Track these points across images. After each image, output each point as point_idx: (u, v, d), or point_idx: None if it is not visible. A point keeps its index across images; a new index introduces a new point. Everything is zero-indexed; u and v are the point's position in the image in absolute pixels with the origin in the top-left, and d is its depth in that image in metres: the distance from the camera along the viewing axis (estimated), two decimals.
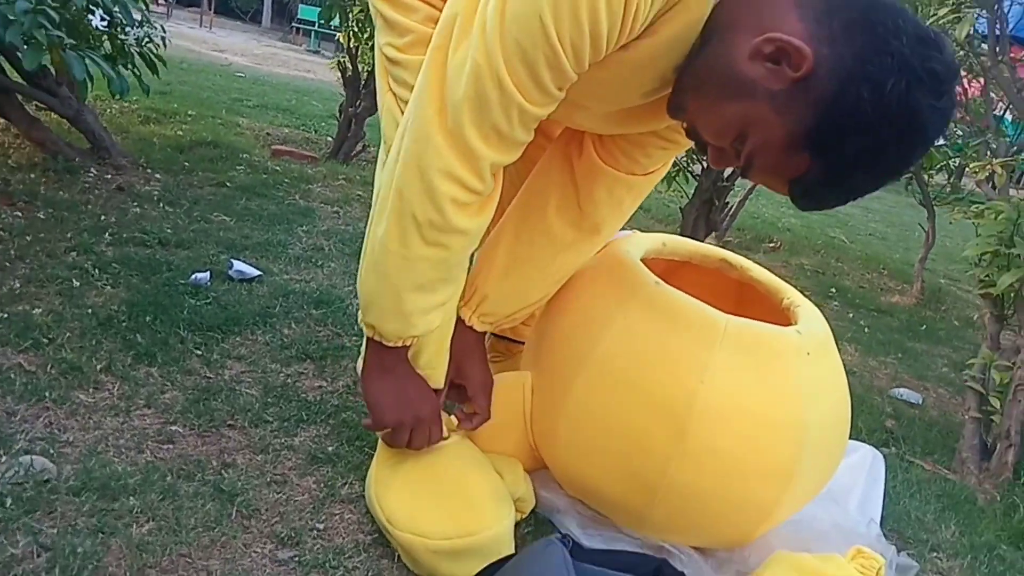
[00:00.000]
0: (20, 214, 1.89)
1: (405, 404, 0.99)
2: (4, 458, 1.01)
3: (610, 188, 1.06)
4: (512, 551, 1.00)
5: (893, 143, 0.70)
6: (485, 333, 1.14)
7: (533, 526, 1.12)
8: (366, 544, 1.02)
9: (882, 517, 1.28)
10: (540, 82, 0.77)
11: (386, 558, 1.00)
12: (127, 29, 1.98)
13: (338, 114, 3.51)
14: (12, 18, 1.53)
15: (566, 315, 1.09)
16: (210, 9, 9.82)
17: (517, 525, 1.12)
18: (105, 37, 1.97)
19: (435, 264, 0.89)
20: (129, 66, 2.09)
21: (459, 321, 1.08)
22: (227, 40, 8.53)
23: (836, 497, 1.20)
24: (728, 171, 3.01)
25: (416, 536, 0.96)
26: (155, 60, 2.17)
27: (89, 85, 2.44)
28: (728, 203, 3.33)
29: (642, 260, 1.11)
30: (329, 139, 3.71)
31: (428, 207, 0.84)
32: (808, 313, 1.09)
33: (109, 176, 2.39)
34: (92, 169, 2.40)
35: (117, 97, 2.11)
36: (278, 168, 2.96)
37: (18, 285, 1.51)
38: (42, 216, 1.91)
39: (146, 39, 2.06)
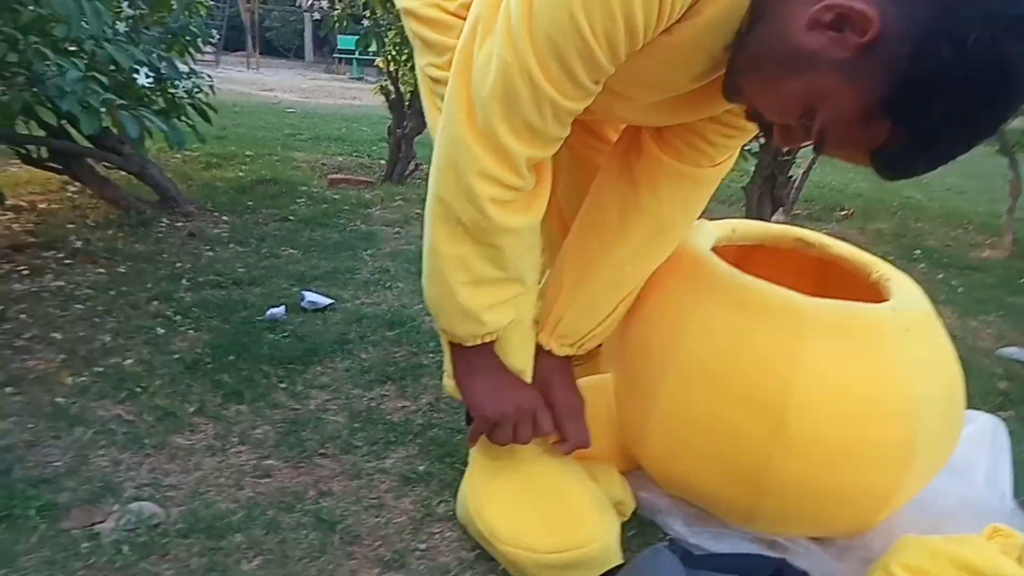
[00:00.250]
0: (103, 270, 1.97)
1: (503, 396, 0.97)
2: (116, 506, 1.04)
3: (675, 184, 0.99)
4: (621, 561, 0.97)
5: (983, 100, 0.64)
6: (569, 358, 1.09)
7: (636, 528, 1.09)
8: (470, 561, 1.01)
9: (1014, 489, 1.19)
10: (574, 76, 0.74)
11: (492, 573, 0.99)
12: (176, 83, 2.04)
13: (387, 136, 3.55)
14: (67, 89, 1.59)
15: (643, 316, 1.06)
16: (255, 50, 10.12)
17: (620, 529, 1.09)
18: (157, 93, 2.03)
19: (489, 261, 0.87)
20: (183, 118, 2.15)
21: (539, 348, 1.05)
22: (274, 79, 8.76)
23: (959, 471, 1.12)
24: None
25: (523, 551, 0.95)
26: (205, 108, 2.23)
27: (147, 140, 2.55)
28: (791, 176, 3.23)
29: (713, 249, 1.07)
30: (382, 162, 3.75)
31: (470, 209, 0.83)
32: (901, 286, 1.03)
33: (180, 224, 2.47)
34: (163, 219, 2.49)
35: (175, 149, 2.18)
36: (336, 196, 3.02)
37: (108, 339, 1.56)
38: (122, 270, 1.98)
39: (196, 89, 2.11)
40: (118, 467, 1.13)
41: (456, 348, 0.96)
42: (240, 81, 8.18)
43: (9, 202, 2.54)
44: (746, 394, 0.92)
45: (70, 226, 2.30)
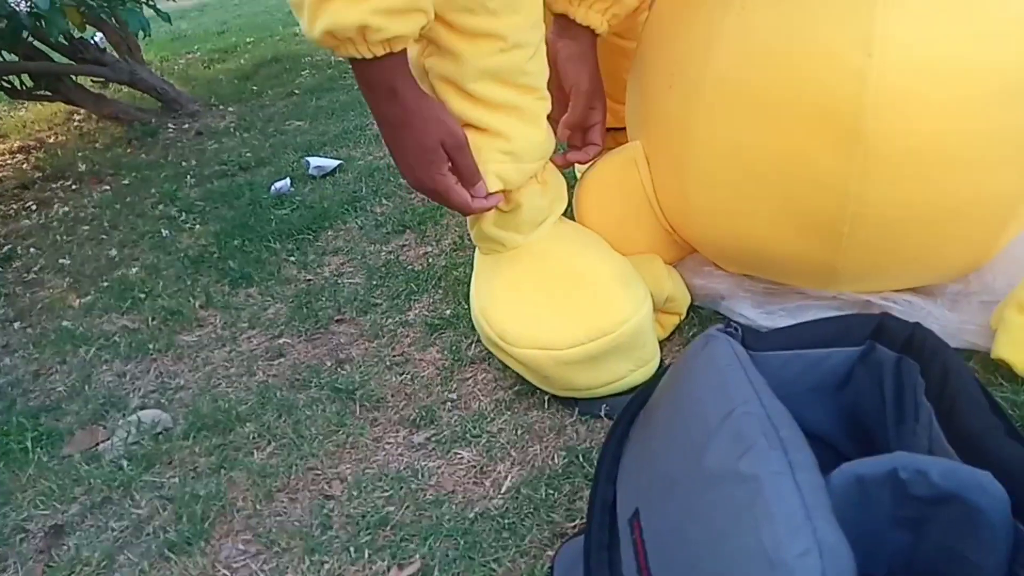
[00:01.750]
0: (108, 187, 1.86)
1: (409, 163, 0.72)
2: (121, 421, 0.94)
3: None
4: (654, 342, 0.81)
5: None
6: (595, 37, 0.86)
7: (698, 325, 0.92)
8: (508, 401, 0.86)
9: None
10: None
11: (535, 408, 0.84)
12: None
13: None
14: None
15: (662, 42, 0.82)
16: None
17: (678, 330, 0.92)
18: None
19: None
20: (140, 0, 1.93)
21: (564, 23, 0.84)
22: None
23: None
24: None
25: (540, 350, 0.77)
26: None
27: (143, 46, 2.36)
28: None
29: None
30: None
31: None
32: None
33: (187, 125, 2.32)
34: (170, 124, 2.35)
35: (142, 36, 1.99)
36: (341, 59, 2.78)
37: (114, 252, 1.46)
38: (127, 182, 1.87)
39: None
40: (123, 379, 1.04)
41: (355, 72, 0.68)
42: None
43: (16, 143, 2.46)
44: (802, 105, 0.68)
45: (79, 154, 2.19)
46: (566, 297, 0.78)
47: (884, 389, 0.53)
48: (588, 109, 0.89)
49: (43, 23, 1.77)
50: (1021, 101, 0.64)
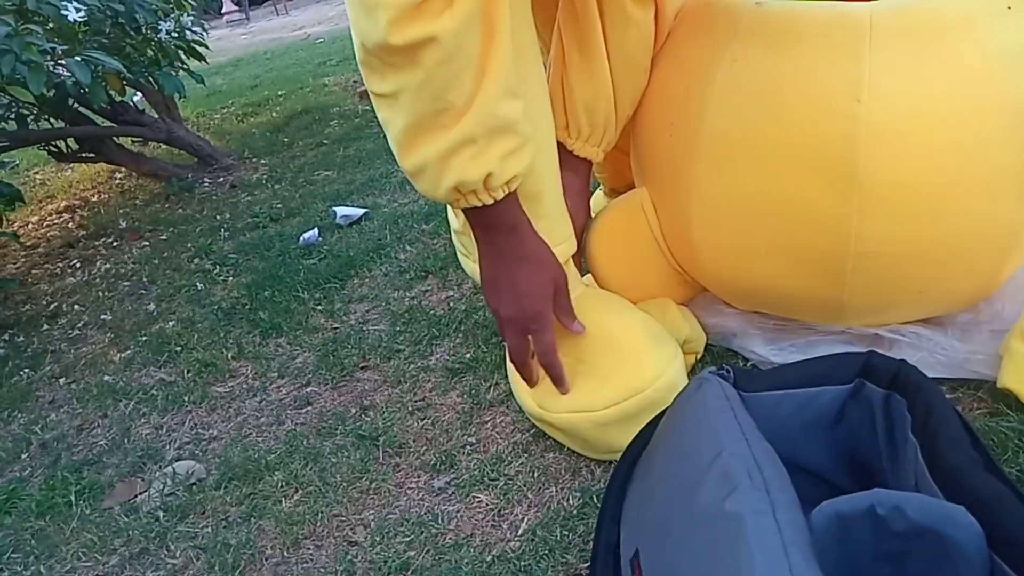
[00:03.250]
0: (147, 243, 1.94)
1: (504, 289, 0.78)
2: (158, 473, 0.99)
3: None
4: None
5: None
6: (589, 169, 0.94)
7: (711, 364, 0.93)
8: (525, 443, 0.89)
9: None
10: None
11: (551, 451, 0.86)
12: (158, 26, 1.91)
13: None
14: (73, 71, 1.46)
15: (660, 94, 0.85)
16: None
17: (693, 369, 0.94)
18: (142, 41, 1.92)
19: (419, 92, 0.63)
20: (176, 63, 2.03)
21: (563, 154, 0.89)
22: (303, 16, 8.57)
23: None
24: None
25: (576, 413, 0.80)
26: (195, 46, 2.11)
27: (180, 104, 2.45)
28: None
29: None
30: None
31: (368, 25, 0.61)
32: None
33: (221, 179, 2.41)
34: (205, 179, 2.44)
35: (178, 96, 2.09)
36: (368, 108, 2.87)
37: (153, 307, 1.52)
38: (165, 237, 1.95)
39: (176, 30, 1.98)
40: (159, 432, 1.09)
41: (471, 213, 0.74)
42: (271, 28, 8.05)
43: (62, 203, 2.57)
44: (798, 148, 0.70)
45: (120, 211, 2.29)
46: (598, 361, 0.81)
47: (876, 425, 0.55)
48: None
49: (86, 91, 1.87)
50: (1009, 138, 0.66)
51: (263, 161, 2.52)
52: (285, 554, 0.80)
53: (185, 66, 2.10)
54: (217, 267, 1.64)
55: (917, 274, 0.74)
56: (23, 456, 1.10)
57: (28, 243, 2.17)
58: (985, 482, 0.43)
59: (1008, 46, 0.66)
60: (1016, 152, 0.67)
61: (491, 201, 0.70)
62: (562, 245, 0.85)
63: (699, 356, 0.94)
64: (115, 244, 2.01)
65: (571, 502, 0.78)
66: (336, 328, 1.26)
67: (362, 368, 1.13)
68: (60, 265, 1.94)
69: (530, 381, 0.84)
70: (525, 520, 0.78)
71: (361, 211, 1.71)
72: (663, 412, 0.63)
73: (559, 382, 0.81)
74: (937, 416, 0.48)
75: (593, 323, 0.84)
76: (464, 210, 0.72)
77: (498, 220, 0.73)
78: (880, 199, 0.69)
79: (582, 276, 0.94)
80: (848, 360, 0.57)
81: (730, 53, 0.75)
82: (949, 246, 0.72)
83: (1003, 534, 0.42)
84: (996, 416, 0.75)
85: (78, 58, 1.39)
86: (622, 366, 0.80)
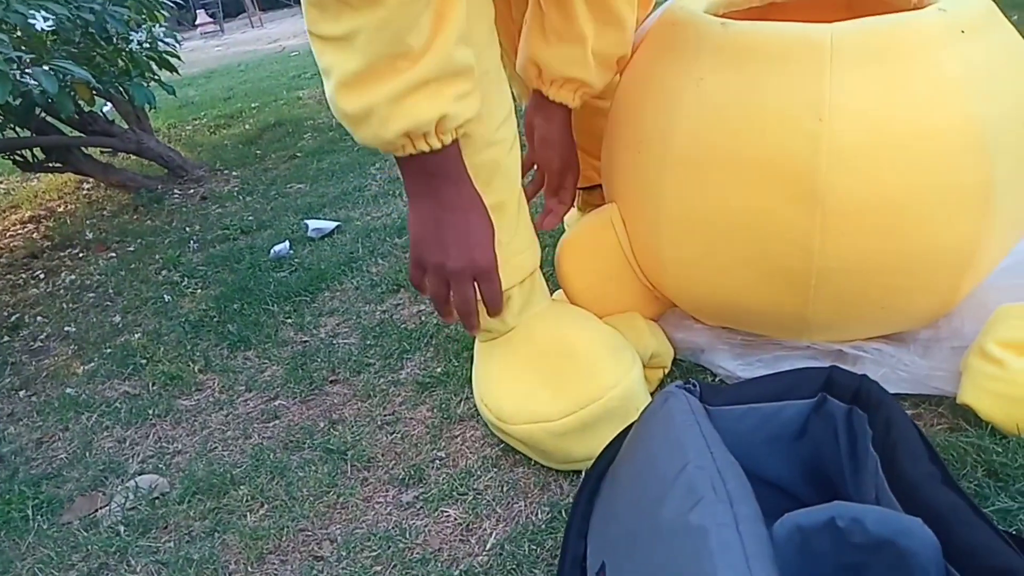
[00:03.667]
0: (114, 254, 1.91)
1: (452, 241, 0.75)
2: (120, 487, 0.97)
3: None
4: (647, 402, 0.82)
5: None
6: (569, 112, 0.91)
7: (680, 378, 0.94)
8: (495, 458, 0.88)
9: None
10: None
11: (521, 465, 0.86)
12: (129, 36, 1.90)
13: None
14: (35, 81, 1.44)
15: (628, 112, 0.86)
16: (256, 8, 9.90)
17: (661, 383, 0.94)
18: (114, 51, 1.90)
19: (378, 34, 0.62)
20: (147, 74, 2.02)
21: (540, 100, 0.89)
22: (277, 29, 8.56)
23: None
24: None
25: (534, 424, 0.80)
26: (167, 56, 2.09)
27: (151, 115, 2.41)
28: None
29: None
30: None
31: None
32: None
33: (192, 191, 2.39)
34: (175, 190, 2.41)
35: (148, 107, 2.07)
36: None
37: (118, 319, 1.50)
38: (132, 249, 1.92)
39: (148, 41, 1.97)
40: (122, 445, 1.07)
41: (411, 167, 0.72)
42: (245, 41, 8.02)
43: (27, 213, 2.53)
44: (763, 166, 0.72)
45: (87, 222, 2.26)
46: (555, 371, 0.81)
47: (839, 439, 0.55)
48: (559, 187, 0.94)
49: (53, 100, 1.84)
50: (962, 158, 0.68)
51: (235, 173, 2.50)
52: (249, 569, 0.79)
53: (156, 77, 2.08)
54: (185, 279, 1.62)
55: (878, 289, 0.75)
56: None
57: None
58: (941, 495, 0.44)
59: (964, 68, 0.68)
60: (972, 172, 0.69)
61: (439, 146, 0.68)
62: (523, 254, 0.86)
63: (667, 371, 0.95)
64: (81, 255, 1.98)
65: (540, 516, 0.78)
66: (306, 341, 1.25)
67: (331, 382, 1.12)
68: (23, 276, 1.90)
69: (449, 320, 0.82)
70: (493, 534, 0.77)
71: (333, 224, 1.71)
72: (630, 426, 0.64)
73: (473, 328, 0.81)
74: (896, 431, 0.49)
75: (553, 335, 0.86)
76: (404, 160, 0.70)
77: (445, 168, 0.72)
78: (841, 215, 0.71)
79: (551, 292, 0.95)
80: (811, 375, 0.58)
81: (696, 72, 0.77)
82: (908, 262, 0.73)
83: (958, 545, 0.43)
84: (956, 431, 0.76)
85: (45, 67, 1.37)
86: (578, 376, 0.80)
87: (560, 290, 0.97)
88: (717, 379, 0.91)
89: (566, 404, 0.78)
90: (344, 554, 0.78)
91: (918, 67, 0.67)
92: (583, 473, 0.79)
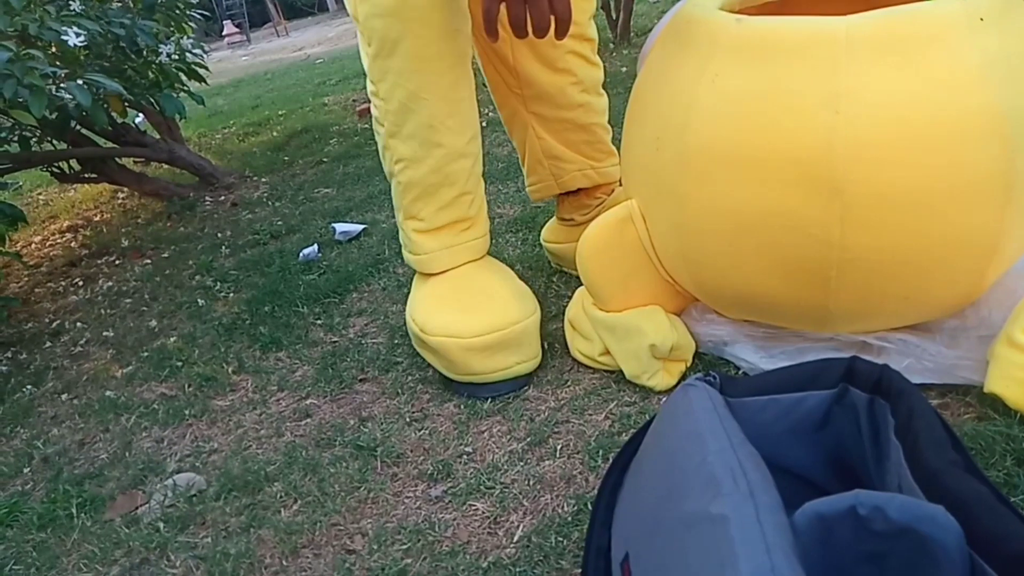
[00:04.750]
0: (149, 261, 1.96)
1: None
2: (159, 485, 1.00)
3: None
4: (538, 345, 1.01)
5: None
6: None
7: (702, 371, 0.94)
8: (521, 452, 0.90)
9: None
10: None
11: (547, 459, 0.87)
12: (158, 49, 1.94)
13: None
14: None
15: (647, 110, 0.87)
16: (280, 18, 10.02)
17: (683, 376, 0.95)
18: (143, 63, 1.95)
19: None
20: (177, 85, 2.06)
21: None
22: (303, 38, 8.66)
23: None
24: None
25: (449, 337, 0.98)
26: (195, 67, 2.13)
27: (183, 125, 2.45)
28: None
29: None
30: None
31: None
32: None
33: (222, 198, 2.43)
34: (207, 198, 2.46)
35: (179, 117, 2.11)
36: (367, 126, 2.90)
37: (154, 323, 1.54)
38: (166, 255, 1.97)
39: (176, 53, 2.01)
40: (160, 445, 1.10)
41: None
42: (271, 50, 8.13)
43: (65, 223, 2.60)
44: (780, 161, 0.72)
45: (123, 230, 2.31)
46: (474, 303, 1.01)
47: (861, 428, 0.56)
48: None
49: (87, 113, 1.90)
50: (982, 147, 0.67)
51: (264, 179, 2.54)
52: (284, 563, 0.81)
53: (186, 87, 2.13)
54: (218, 283, 1.66)
55: (900, 280, 0.75)
56: (25, 470, 1.11)
57: (31, 262, 2.19)
58: (965, 483, 0.44)
59: (982, 57, 0.68)
60: (992, 161, 0.68)
61: None
62: (482, 239, 1.07)
63: (689, 363, 0.95)
64: (117, 262, 2.03)
65: (565, 509, 0.79)
66: (335, 342, 1.27)
67: (361, 380, 1.14)
68: (63, 284, 1.95)
69: (522, 36, 0.85)
70: (520, 527, 0.79)
71: (360, 227, 1.73)
72: (651, 421, 0.64)
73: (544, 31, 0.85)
74: (919, 419, 0.49)
75: (478, 277, 1.05)
76: None
77: None
78: (860, 207, 0.71)
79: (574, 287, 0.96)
80: (831, 365, 0.59)
81: (712, 69, 0.77)
82: (929, 253, 0.73)
83: (982, 532, 0.44)
84: (984, 421, 0.76)
85: (79, 81, 1.41)
86: (491, 308, 1.00)
87: (583, 286, 0.98)
88: (740, 372, 0.92)
89: (478, 327, 0.97)
90: (375, 547, 0.80)
91: (935, 57, 0.67)
92: (472, 383, 0.99)
